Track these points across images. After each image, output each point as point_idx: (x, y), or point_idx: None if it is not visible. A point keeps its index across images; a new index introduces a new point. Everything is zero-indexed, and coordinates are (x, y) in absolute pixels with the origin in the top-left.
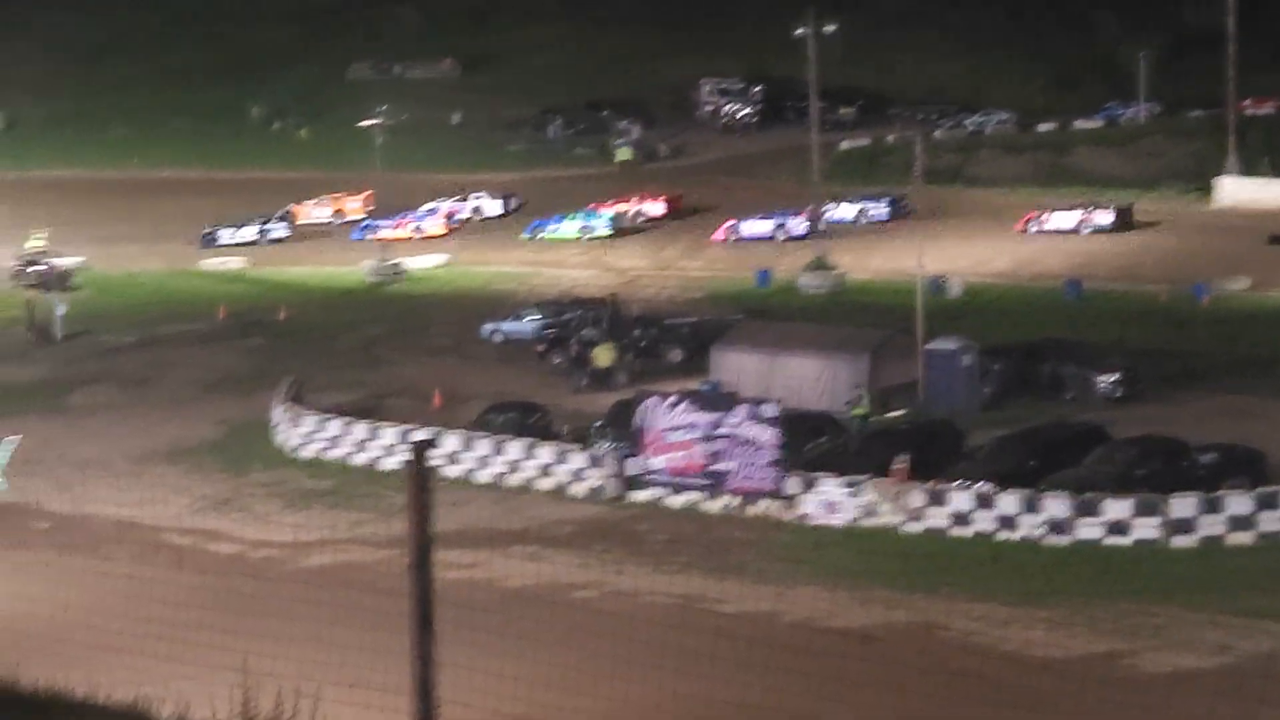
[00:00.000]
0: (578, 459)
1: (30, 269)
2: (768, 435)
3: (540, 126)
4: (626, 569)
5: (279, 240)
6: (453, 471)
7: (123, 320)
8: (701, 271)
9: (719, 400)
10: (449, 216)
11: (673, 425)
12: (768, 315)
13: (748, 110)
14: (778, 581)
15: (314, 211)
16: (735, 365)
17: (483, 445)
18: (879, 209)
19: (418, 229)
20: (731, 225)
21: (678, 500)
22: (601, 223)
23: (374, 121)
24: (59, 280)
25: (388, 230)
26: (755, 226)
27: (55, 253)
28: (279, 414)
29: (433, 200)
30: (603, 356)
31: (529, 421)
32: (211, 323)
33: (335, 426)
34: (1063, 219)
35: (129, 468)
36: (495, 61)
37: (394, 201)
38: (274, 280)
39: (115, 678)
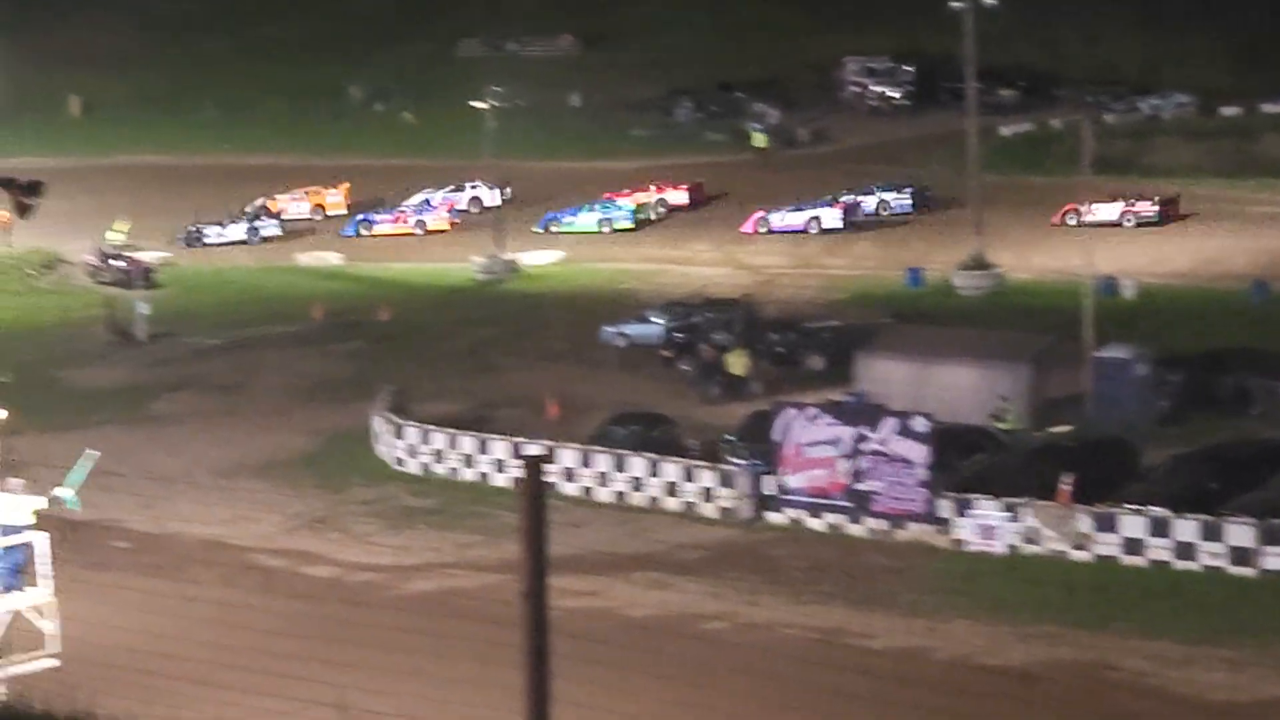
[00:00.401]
0: (707, 476)
1: (110, 264)
2: (918, 452)
3: (668, 109)
4: (761, 599)
5: (270, 239)
6: (570, 489)
7: (210, 321)
8: (846, 270)
9: (864, 413)
10: (450, 209)
11: (813, 440)
12: (919, 319)
13: (897, 92)
14: (929, 614)
15: (291, 206)
16: (882, 374)
17: (603, 460)
18: (901, 200)
19: (420, 223)
20: (761, 217)
21: (818, 523)
22: (623, 214)
23: (485, 104)
24: (141, 277)
25: (386, 225)
26: (787, 218)
27: (137, 247)
28: (379, 424)
29: (424, 191)
30: (736, 363)
31: (654, 434)
32: (307, 324)
33: (441, 439)
34: (1106, 211)
35: (216, 482)
36: (619, 38)
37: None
38: (375, 277)
39: (200, 712)
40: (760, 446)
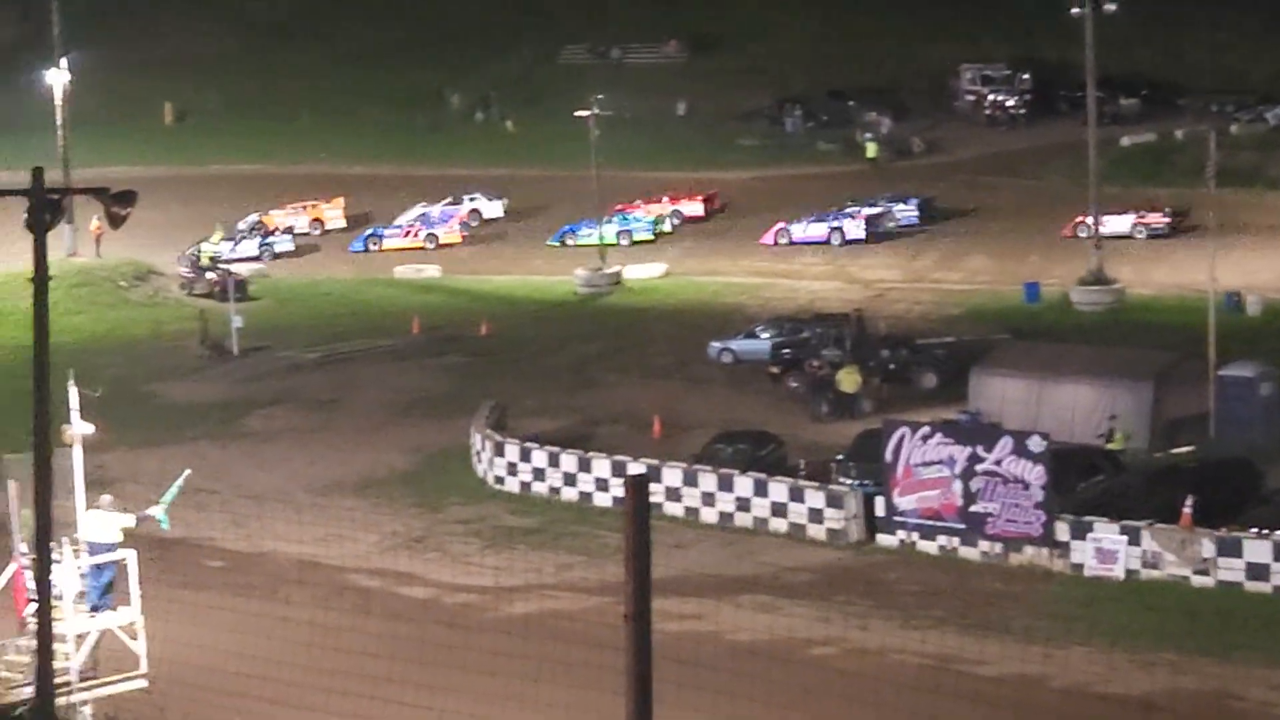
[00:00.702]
0: (816, 497)
1: (203, 276)
2: (1034, 473)
3: (777, 118)
4: (871, 624)
5: (282, 254)
6: (675, 509)
7: (306, 334)
8: (960, 284)
9: (978, 432)
10: (462, 221)
11: (925, 460)
12: (1036, 335)
13: (1014, 100)
14: (1045, 641)
15: (286, 221)
16: (998, 392)
17: (708, 480)
18: (908, 211)
19: (431, 237)
20: (782, 228)
21: (930, 545)
22: (642, 225)
23: (590, 112)
24: (236, 289)
25: (396, 239)
26: (809, 230)
27: (230, 258)
28: (479, 442)
29: (420, 205)
30: (846, 381)
31: (761, 453)
32: (404, 338)
33: (542, 457)
34: (1117, 223)
35: (311, 500)
36: (727, 44)
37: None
38: (474, 290)
39: None
40: (871, 466)
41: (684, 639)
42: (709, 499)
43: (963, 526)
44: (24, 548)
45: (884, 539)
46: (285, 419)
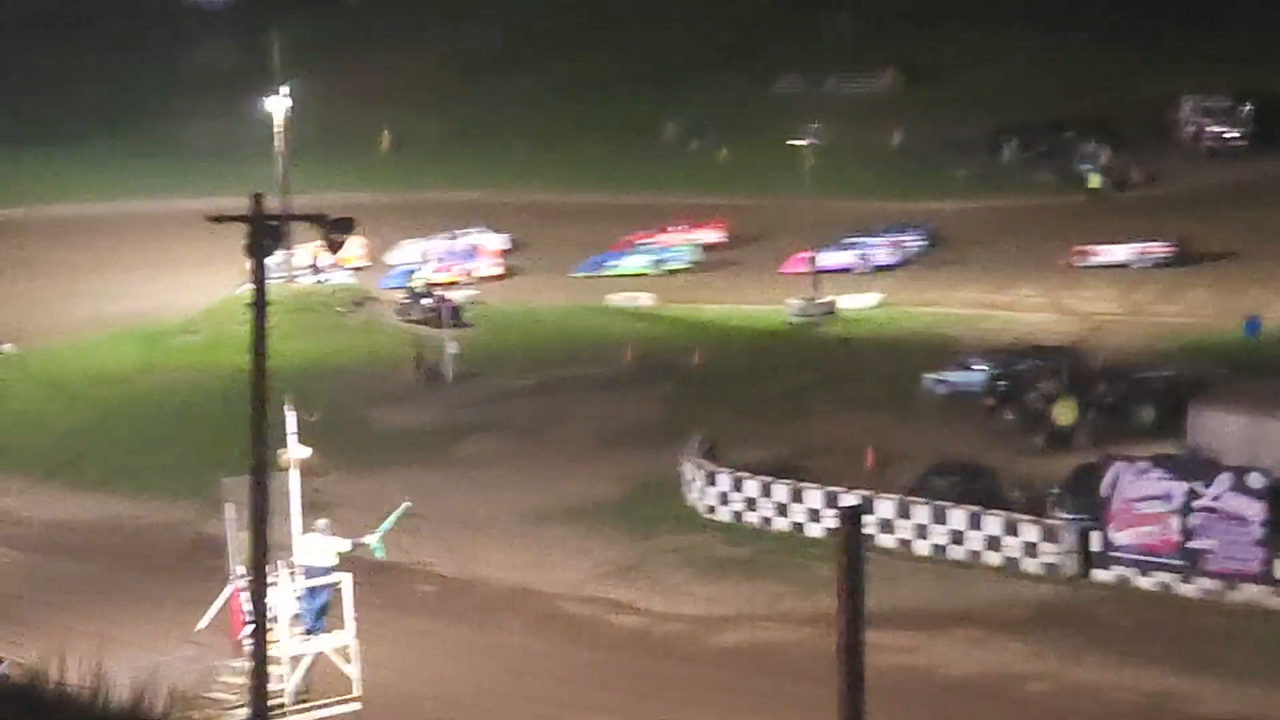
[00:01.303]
0: (1031, 531)
1: (419, 302)
2: (1254, 509)
3: (993, 148)
4: (1086, 660)
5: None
6: (887, 541)
7: (519, 361)
8: (1178, 317)
9: (1197, 468)
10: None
11: (1142, 495)
12: (1256, 370)
13: (1236, 132)
14: (1264, 681)
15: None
16: (1216, 427)
17: (922, 512)
18: (918, 239)
19: (467, 272)
20: (808, 255)
21: (1147, 581)
22: (675, 256)
23: (804, 141)
24: (450, 315)
25: (437, 273)
26: (834, 257)
27: (444, 285)
28: (691, 471)
29: (416, 239)
30: (1062, 414)
31: (975, 486)
32: (617, 366)
33: (753, 487)
34: (1116, 252)
35: (523, 528)
36: (942, 74)
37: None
38: (687, 319)
39: None
40: (1087, 501)
41: (896, 673)
42: (922, 531)
43: (1180, 563)
44: (240, 570)
45: (1099, 574)
46: (498, 445)
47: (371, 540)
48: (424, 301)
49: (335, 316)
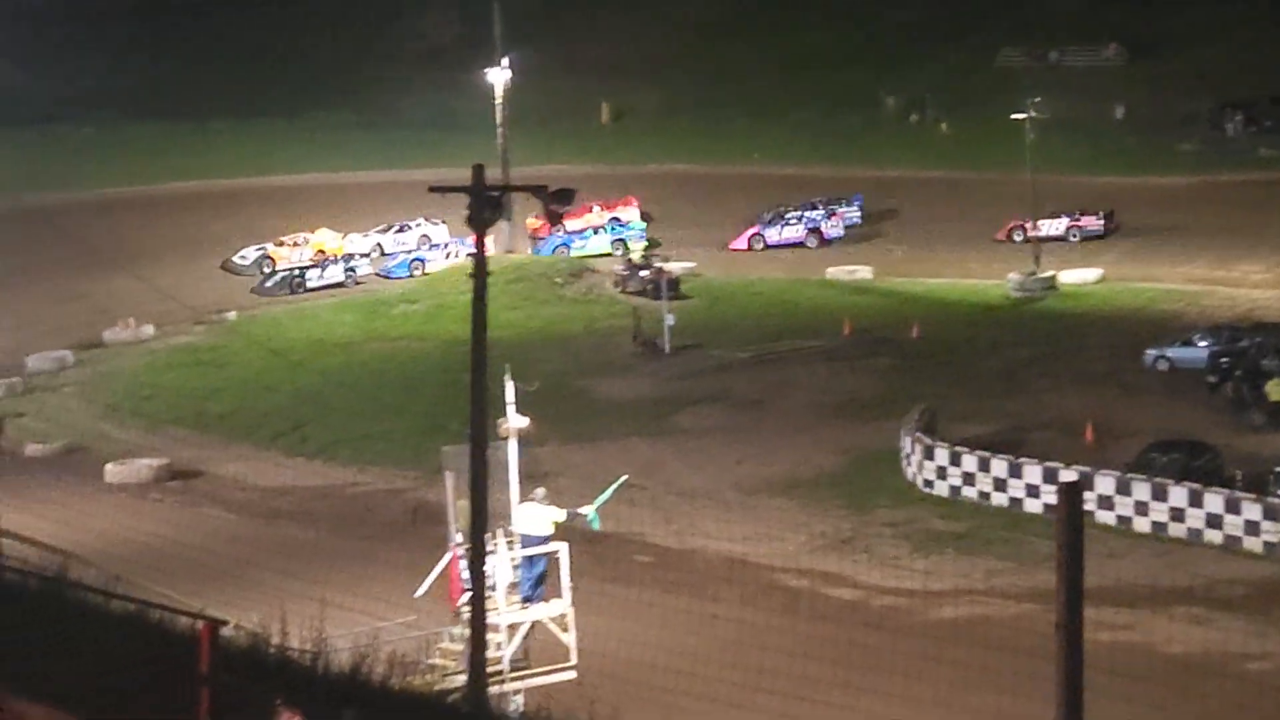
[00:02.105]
0: (1253, 509)
1: (637, 274)
2: None
3: (1218, 123)
4: None
5: (363, 281)
6: (1107, 517)
7: (737, 333)
8: None
9: None
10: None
11: None
12: None
13: None
14: None
15: (292, 255)
16: None
17: (1142, 489)
18: (851, 212)
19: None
20: (755, 233)
21: None
22: (635, 233)
23: (1025, 115)
24: (669, 287)
25: (439, 260)
26: (784, 231)
27: (663, 257)
28: (908, 445)
29: (375, 231)
30: (1275, 391)
31: (1196, 463)
32: (835, 339)
33: (971, 461)
34: (1051, 226)
35: (740, 499)
36: (1167, 47)
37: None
38: (906, 292)
39: None
40: None
41: (1115, 649)
42: (1142, 508)
43: None
44: (459, 538)
45: None
46: (715, 417)
47: (588, 511)
48: (642, 273)
49: (554, 287)
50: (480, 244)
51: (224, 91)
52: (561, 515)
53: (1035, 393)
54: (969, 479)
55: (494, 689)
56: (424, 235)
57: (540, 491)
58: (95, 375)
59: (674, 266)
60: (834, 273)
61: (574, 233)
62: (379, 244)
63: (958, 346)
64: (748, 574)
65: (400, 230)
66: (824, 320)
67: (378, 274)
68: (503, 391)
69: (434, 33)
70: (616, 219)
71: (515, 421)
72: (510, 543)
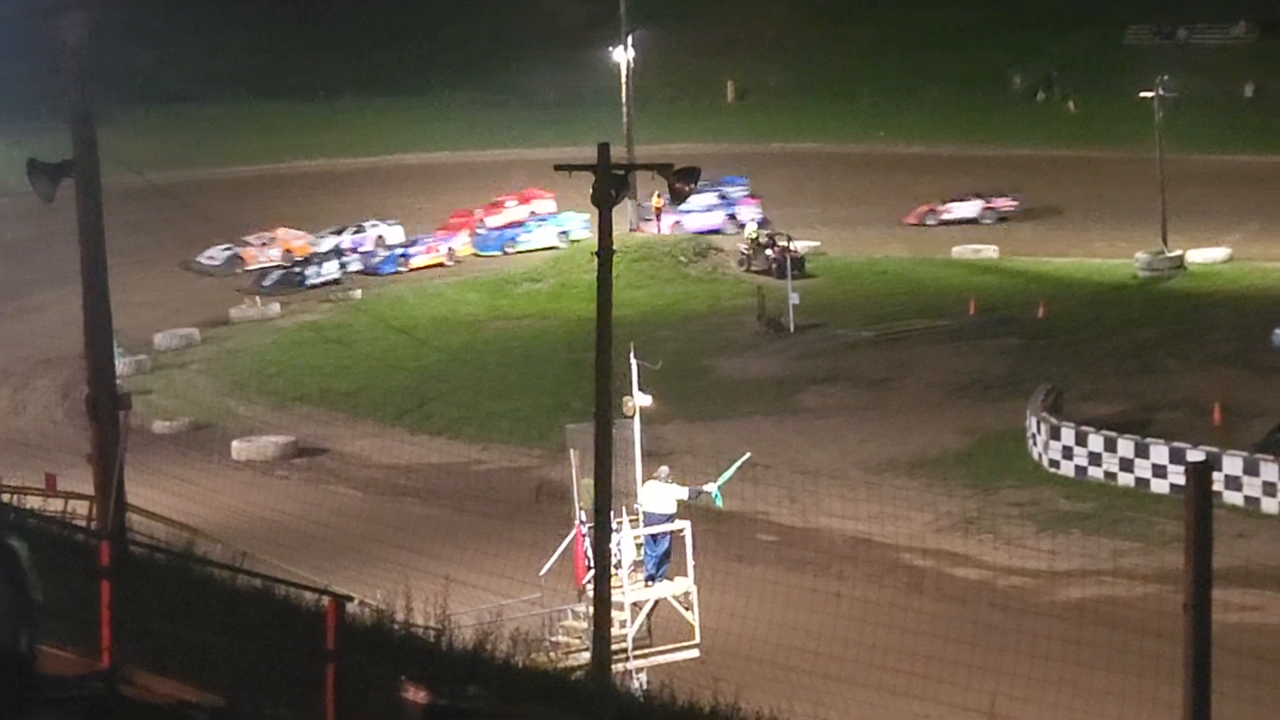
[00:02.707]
0: None
1: (762, 253)
2: None
3: None
4: None
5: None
6: (1234, 498)
7: (861, 312)
8: None
9: None
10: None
11: None
12: None
13: None
14: None
15: (261, 255)
16: None
17: (1270, 469)
18: (736, 190)
19: (450, 251)
20: (676, 221)
21: None
22: (578, 224)
23: (1153, 94)
24: (793, 266)
25: (421, 256)
26: (701, 219)
27: (788, 236)
28: (1034, 424)
29: (325, 232)
30: None
31: None
32: (960, 318)
33: (1097, 441)
34: (964, 209)
35: (864, 478)
36: None
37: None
38: (1032, 272)
39: (846, 711)
40: None
41: (1244, 630)
42: (1270, 489)
43: None
44: (584, 515)
45: None
46: (839, 396)
47: (712, 489)
48: (767, 252)
49: (678, 266)
50: (605, 223)
51: (353, 71)
52: (684, 493)
53: (1162, 373)
54: (1095, 459)
55: (618, 666)
56: (379, 236)
57: (664, 470)
58: (222, 353)
59: (799, 245)
60: (959, 252)
61: (515, 225)
62: (337, 246)
63: (1084, 326)
64: (872, 553)
65: (357, 231)
66: (949, 299)
67: (364, 271)
68: (627, 370)
69: (561, 12)
70: (533, 211)
71: (639, 400)
72: (634, 521)
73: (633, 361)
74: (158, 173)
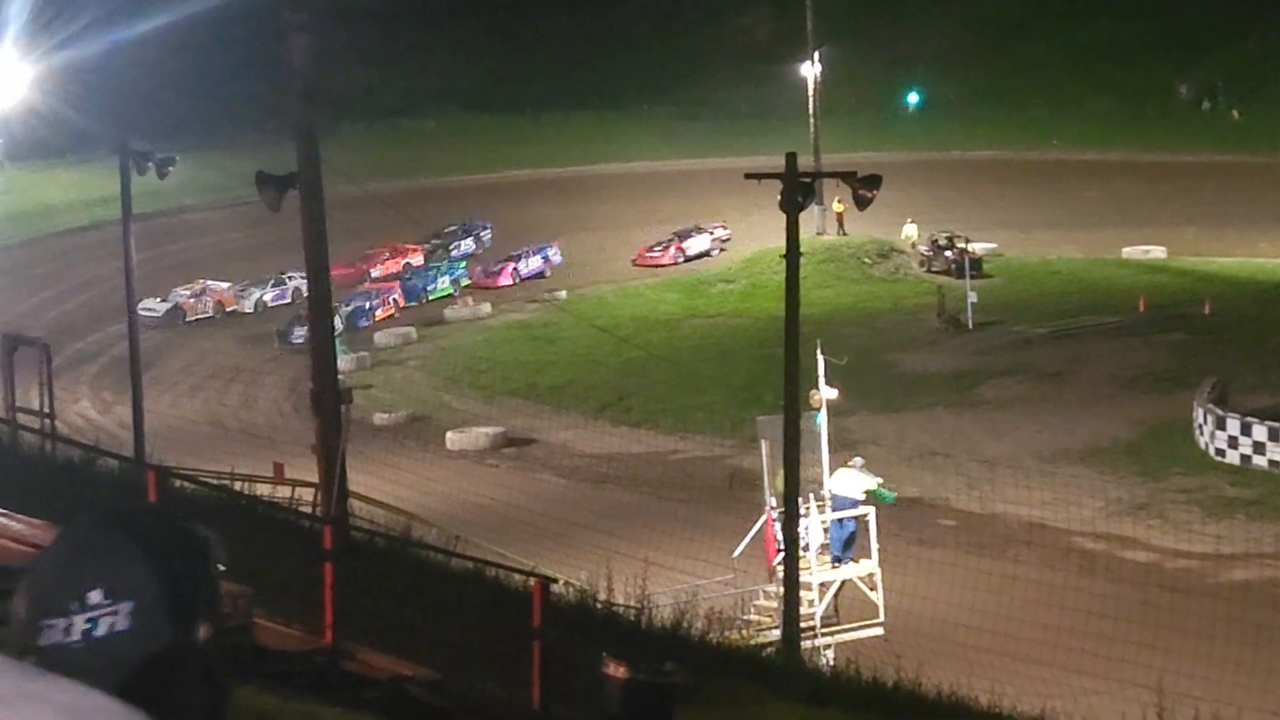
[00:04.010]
0: None
1: (942, 254)
2: None
3: None
4: None
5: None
6: None
7: (1036, 310)
8: None
9: None
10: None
11: None
12: None
13: None
14: None
15: (199, 305)
16: None
17: None
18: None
19: (396, 302)
20: (512, 268)
21: None
22: (463, 273)
23: None
24: (971, 266)
25: (379, 310)
26: (531, 263)
27: (965, 238)
28: (1201, 415)
29: (248, 283)
30: None
31: None
32: (1130, 315)
33: (1261, 431)
34: (698, 243)
35: (1039, 466)
36: None
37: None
38: (1199, 271)
39: (1021, 689)
40: None
41: None
42: None
43: None
44: (774, 501)
45: None
46: (1016, 389)
47: (885, 493)
48: (946, 253)
49: (862, 267)
50: (792, 228)
51: (556, 85)
52: (874, 483)
53: None
54: (1259, 448)
55: (806, 643)
56: (297, 288)
57: (858, 459)
58: (436, 350)
59: (976, 247)
60: (1129, 252)
61: (421, 271)
62: (260, 296)
63: (1248, 322)
64: (1047, 537)
65: (275, 284)
66: (1119, 297)
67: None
68: (814, 365)
69: (752, 30)
70: (409, 263)
71: (825, 393)
72: (821, 506)
73: (819, 357)
74: (375, 183)
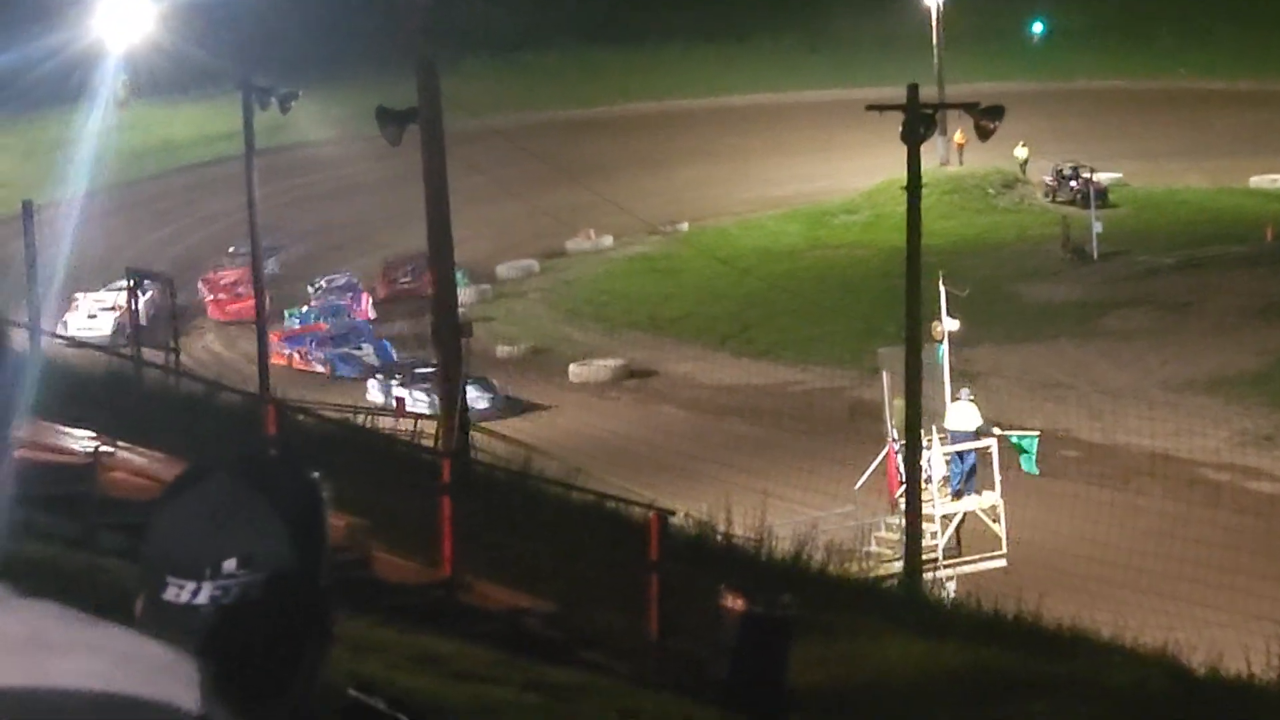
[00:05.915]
0: None
1: (1067, 184)
2: None
3: None
4: None
5: None
6: None
7: (1162, 240)
8: None
9: None
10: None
11: None
12: None
13: None
14: None
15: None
16: None
17: None
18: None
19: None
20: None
21: None
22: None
23: None
24: (1097, 196)
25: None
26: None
27: (1090, 168)
28: None
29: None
30: None
31: None
32: (1258, 245)
33: None
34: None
35: (1164, 397)
36: None
37: None
38: None
39: (1144, 621)
40: None
41: None
42: None
43: None
44: (895, 434)
45: None
46: (1140, 320)
47: (1026, 464)
48: (1071, 183)
49: (986, 198)
50: (914, 159)
51: (677, 18)
52: (979, 419)
53: None
54: None
55: (928, 575)
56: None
57: (965, 391)
58: (558, 282)
59: (1102, 177)
60: (1257, 181)
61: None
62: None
63: None
64: (1171, 468)
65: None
66: (1247, 226)
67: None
68: (936, 296)
69: None
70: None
71: (947, 324)
72: (943, 439)
73: (941, 288)
74: (495, 117)
